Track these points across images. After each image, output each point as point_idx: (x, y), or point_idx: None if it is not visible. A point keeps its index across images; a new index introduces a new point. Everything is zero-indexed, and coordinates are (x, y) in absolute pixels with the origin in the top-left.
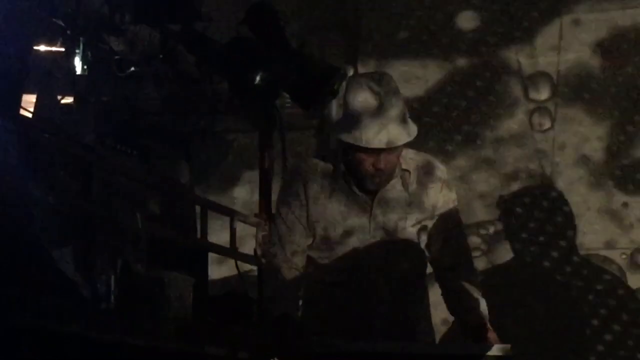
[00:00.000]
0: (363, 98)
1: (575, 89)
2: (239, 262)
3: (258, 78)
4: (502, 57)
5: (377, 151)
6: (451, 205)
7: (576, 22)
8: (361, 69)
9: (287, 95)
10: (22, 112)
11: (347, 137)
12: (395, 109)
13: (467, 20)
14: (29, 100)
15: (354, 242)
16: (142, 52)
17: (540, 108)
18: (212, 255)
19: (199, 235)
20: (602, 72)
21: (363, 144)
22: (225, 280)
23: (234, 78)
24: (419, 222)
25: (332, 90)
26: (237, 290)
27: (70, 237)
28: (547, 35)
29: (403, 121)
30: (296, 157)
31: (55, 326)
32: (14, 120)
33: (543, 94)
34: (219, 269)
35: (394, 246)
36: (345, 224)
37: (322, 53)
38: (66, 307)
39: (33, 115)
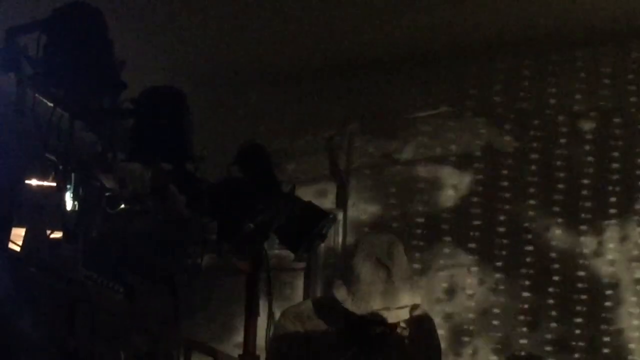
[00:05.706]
0: (372, 270)
1: None
2: None
3: (248, 223)
4: None
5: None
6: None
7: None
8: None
9: (276, 237)
10: (11, 245)
11: (351, 306)
12: (402, 283)
13: None
14: (18, 234)
15: None
16: (133, 189)
17: None
18: None
19: None
20: None
21: (368, 317)
22: None
23: (223, 221)
24: None
25: (320, 234)
26: None
27: None
28: None
29: (409, 291)
30: (282, 299)
31: None
32: (2, 254)
33: None
34: None
35: None
36: None
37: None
38: None
39: (21, 249)
